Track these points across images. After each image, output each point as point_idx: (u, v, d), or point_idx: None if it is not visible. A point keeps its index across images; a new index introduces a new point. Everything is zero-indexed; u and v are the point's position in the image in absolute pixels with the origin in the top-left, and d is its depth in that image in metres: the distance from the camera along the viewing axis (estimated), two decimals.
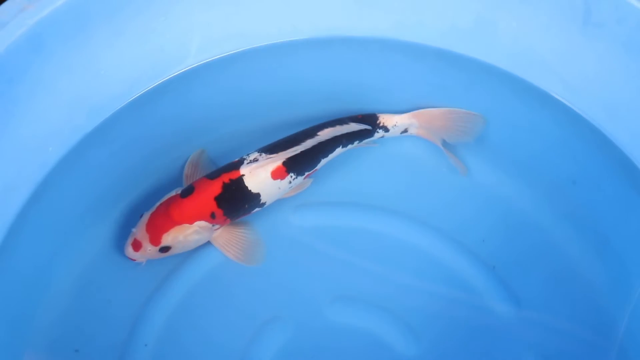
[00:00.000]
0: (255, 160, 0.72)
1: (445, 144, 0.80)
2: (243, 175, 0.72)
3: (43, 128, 0.69)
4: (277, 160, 0.72)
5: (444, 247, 0.78)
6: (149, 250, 0.71)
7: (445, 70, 0.77)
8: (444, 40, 0.75)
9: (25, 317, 0.71)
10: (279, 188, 0.74)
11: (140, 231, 0.71)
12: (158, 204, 0.72)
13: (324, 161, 0.76)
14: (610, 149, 0.72)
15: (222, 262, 0.76)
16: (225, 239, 0.75)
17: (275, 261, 0.77)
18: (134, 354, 0.72)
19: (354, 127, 0.76)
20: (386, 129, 0.79)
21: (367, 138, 0.79)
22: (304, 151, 0.73)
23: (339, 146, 0.76)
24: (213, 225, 0.72)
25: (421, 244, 0.79)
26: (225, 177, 0.71)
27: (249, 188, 0.72)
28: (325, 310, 0.75)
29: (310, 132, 0.74)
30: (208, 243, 0.75)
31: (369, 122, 0.78)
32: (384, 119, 0.78)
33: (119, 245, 0.74)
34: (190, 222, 0.71)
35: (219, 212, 0.71)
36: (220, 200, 0.71)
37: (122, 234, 0.75)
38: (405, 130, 0.80)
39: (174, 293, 0.75)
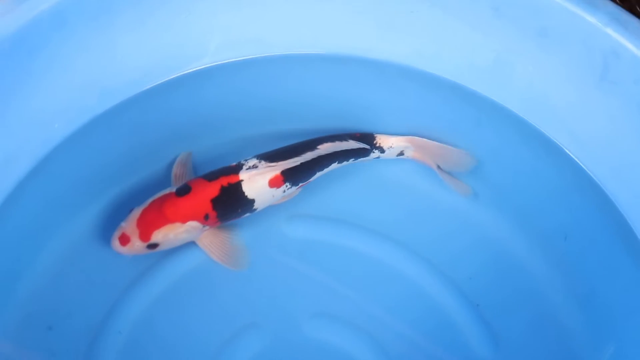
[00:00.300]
0: (255, 166, 0.72)
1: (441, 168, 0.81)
2: (242, 180, 0.72)
3: (53, 104, 0.69)
4: (276, 170, 0.73)
5: (430, 279, 0.78)
6: (137, 245, 0.71)
7: (457, 104, 0.77)
8: (459, 74, 0.75)
9: (4, 287, 0.71)
10: (273, 196, 0.74)
11: (129, 226, 0.70)
12: (150, 200, 0.72)
13: (319, 174, 0.77)
14: (608, 207, 0.72)
15: (207, 261, 0.76)
16: (211, 240, 0.75)
17: (262, 268, 0.77)
18: (107, 340, 0.73)
19: (352, 144, 0.76)
20: (382, 150, 0.79)
21: (363, 157, 0.79)
22: (302, 163, 0.74)
23: (335, 162, 0.77)
24: (204, 227, 0.72)
25: (408, 272, 0.79)
26: (224, 180, 0.71)
27: (246, 193, 0.72)
28: (304, 324, 0.75)
29: (310, 145, 0.75)
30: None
31: (366, 141, 0.78)
32: (381, 140, 0.79)
33: (108, 230, 0.74)
34: (183, 221, 0.71)
35: (212, 214, 0.72)
36: (216, 202, 0.71)
37: (113, 219, 0.74)
38: (402, 153, 0.81)
39: (155, 284, 0.76)
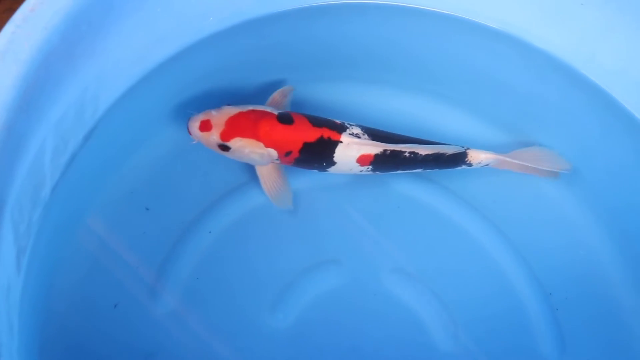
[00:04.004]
0: (357, 136, 0.72)
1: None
2: (341, 141, 0.72)
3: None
4: (373, 149, 0.72)
5: (509, 259, 0.79)
6: (212, 138, 0.69)
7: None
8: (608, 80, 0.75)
9: (115, 161, 0.74)
10: (351, 169, 0.74)
11: (218, 119, 0.69)
12: (250, 107, 0.71)
13: (399, 172, 0.77)
14: None
15: (310, 189, 0.78)
16: (270, 172, 0.74)
17: (354, 216, 0.78)
18: (196, 236, 0.74)
19: (449, 149, 0.75)
20: (470, 164, 0.78)
21: (448, 168, 0.78)
22: (394, 155, 0.73)
23: (421, 168, 0.77)
24: (277, 159, 0.72)
25: (490, 248, 0.79)
26: (326, 132, 0.71)
27: (335, 155, 0.72)
28: (384, 275, 0.76)
29: (413, 143, 0.74)
30: None
31: (457, 158, 0.77)
32: (472, 157, 0.77)
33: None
34: (268, 145, 0.70)
35: (295, 155, 0.71)
36: (306, 147, 0.71)
37: None
38: (487, 164, 0.79)
39: (252, 197, 0.77)
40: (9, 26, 0.53)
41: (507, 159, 0.78)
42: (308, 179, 0.78)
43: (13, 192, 0.53)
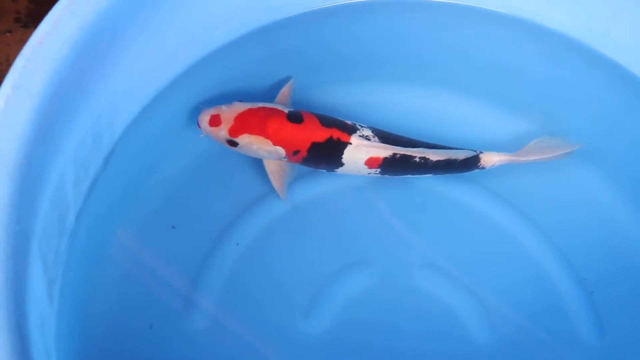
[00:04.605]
0: (367, 138, 0.71)
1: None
2: (350, 143, 0.71)
3: (220, 11, 0.70)
4: (384, 152, 0.72)
5: (541, 246, 0.78)
6: (221, 134, 0.69)
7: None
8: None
9: (138, 180, 0.74)
10: (359, 171, 0.74)
11: (228, 114, 0.69)
12: (260, 104, 0.71)
13: (409, 176, 0.76)
14: None
15: (330, 192, 0.78)
16: (277, 166, 0.73)
17: (380, 214, 0.78)
18: (224, 248, 0.74)
19: (461, 154, 0.75)
20: (483, 168, 0.77)
21: (460, 173, 0.77)
22: (404, 160, 0.72)
23: (431, 173, 0.76)
24: (284, 157, 0.72)
25: (520, 237, 0.78)
26: (335, 133, 0.70)
27: (344, 156, 0.71)
28: (415, 272, 0.76)
29: (425, 147, 0.73)
30: None
31: (471, 163, 0.76)
32: (485, 161, 0.76)
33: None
34: (276, 143, 0.70)
35: (303, 154, 0.71)
36: (315, 147, 0.70)
37: None
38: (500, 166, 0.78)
39: (277, 205, 0.77)
40: (20, 60, 0.53)
41: (521, 158, 0.76)
42: (328, 182, 0.78)
43: (38, 225, 0.54)
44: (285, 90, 0.75)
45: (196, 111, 0.71)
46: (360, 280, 0.75)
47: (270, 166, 0.73)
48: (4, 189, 0.48)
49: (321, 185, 0.78)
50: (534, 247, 0.78)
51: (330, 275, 0.75)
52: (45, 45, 0.54)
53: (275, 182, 0.74)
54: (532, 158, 0.77)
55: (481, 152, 0.76)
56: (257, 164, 0.75)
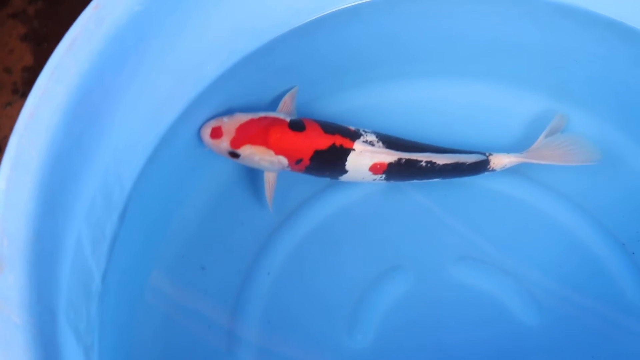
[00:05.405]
0: (371, 143, 0.70)
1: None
2: (353, 149, 0.70)
3: (205, 46, 0.69)
4: (388, 157, 0.70)
5: (582, 224, 0.77)
6: (223, 146, 0.69)
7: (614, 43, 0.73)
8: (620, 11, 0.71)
9: (157, 228, 0.73)
10: (363, 178, 0.72)
11: (229, 126, 0.69)
12: (261, 114, 0.70)
13: (415, 181, 0.75)
14: None
15: (349, 204, 0.77)
16: (274, 178, 0.73)
17: (404, 213, 0.77)
18: (256, 280, 0.74)
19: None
20: (493, 171, 0.75)
21: (468, 176, 0.76)
22: (410, 164, 0.71)
23: (438, 177, 0.74)
24: (287, 167, 0.71)
25: (550, 210, 0.77)
26: (338, 140, 0.69)
27: (347, 163, 0.70)
28: (450, 267, 0.75)
29: (431, 151, 0.72)
30: None
31: (480, 166, 0.74)
32: (494, 163, 0.74)
33: (254, 172, 0.75)
34: (278, 152, 0.69)
35: (305, 163, 0.70)
36: (318, 155, 0.69)
37: None
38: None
39: (300, 227, 0.76)
40: (14, 137, 0.53)
41: (533, 160, 0.74)
42: (347, 193, 0.78)
43: (62, 298, 0.53)
44: (287, 99, 0.74)
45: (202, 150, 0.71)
46: (397, 286, 0.74)
47: (270, 176, 0.72)
48: (19, 271, 0.48)
49: (342, 198, 0.78)
50: (565, 218, 0.77)
51: (366, 286, 0.74)
52: (36, 118, 0.54)
53: (269, 192, 0.73)
54: (544, 161, 0.74)
55: (490, 154, 0.74)
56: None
